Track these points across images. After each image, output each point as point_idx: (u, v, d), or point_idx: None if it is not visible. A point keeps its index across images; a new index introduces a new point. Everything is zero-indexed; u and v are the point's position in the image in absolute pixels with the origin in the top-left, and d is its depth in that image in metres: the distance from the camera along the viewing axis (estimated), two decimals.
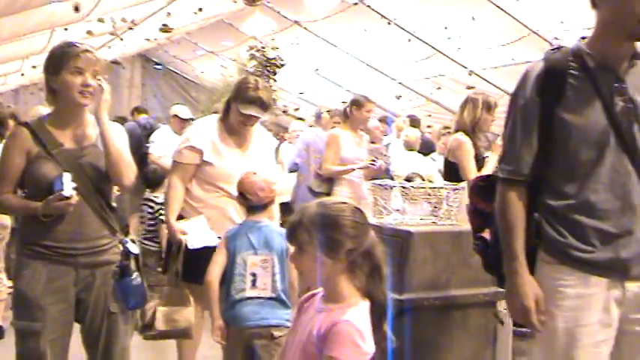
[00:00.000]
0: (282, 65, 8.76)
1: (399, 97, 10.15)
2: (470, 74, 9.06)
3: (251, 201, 3.02)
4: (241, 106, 3.34)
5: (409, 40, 8.40)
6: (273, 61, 8.76)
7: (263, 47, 8.78)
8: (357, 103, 5.28)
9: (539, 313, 1.99)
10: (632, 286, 1.97)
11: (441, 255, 3.05)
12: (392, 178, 5.52)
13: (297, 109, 11.00)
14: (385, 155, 6.63)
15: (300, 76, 10.68)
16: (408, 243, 3.00)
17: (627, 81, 1.97)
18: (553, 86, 1.98)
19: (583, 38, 2.07)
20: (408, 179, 4.52)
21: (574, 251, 1.97)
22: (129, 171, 2.57)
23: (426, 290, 3.01)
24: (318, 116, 7.00)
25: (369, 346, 1.75)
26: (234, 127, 3.43)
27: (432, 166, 6.88)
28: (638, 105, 1.95)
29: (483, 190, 2.23)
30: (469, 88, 7.93)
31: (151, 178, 5.74)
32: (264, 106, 3.36)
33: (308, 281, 1.98)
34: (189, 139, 3.43)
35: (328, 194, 5.16)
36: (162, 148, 6.59)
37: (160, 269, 5.23)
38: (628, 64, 1.98)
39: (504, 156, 2.11)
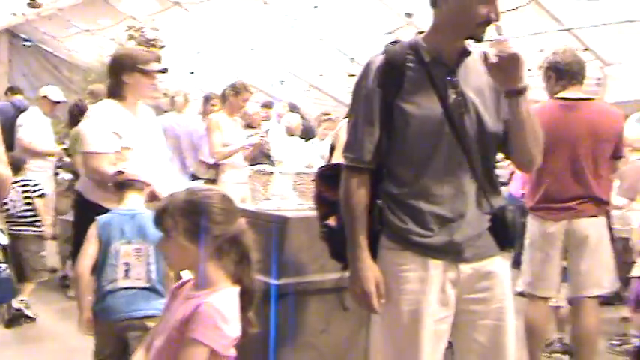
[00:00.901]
0: (162, 47, 8.52)
1: (281, 83, 10.20)
2: (352, 61, 9.26)
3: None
4: (144, 65, 3.25)
5: (292, 27, 8.45)
6: (152, 42, 8.49)
7: (142, 27, 8.50)
8: (234, 89, 5.28)
9: (379, 296, 2.08)
10: (465, 268, 2.09)
11: (317, 240, 3.10)
12: (273, 164, 5.56)
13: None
14: (265, 141, 6.64)
15: (184, 58, 10.44)
16: (285, 228, 3.04)
17: (459, 75, 2.08)
18: (392, 77, 2.07)
19: (420, 33, 2.18)
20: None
21: (414, 236, 2.07)
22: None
23: (302, 275, 3.06)
24: (173, 100, 6.73)
25: (233, 330, 1.77)
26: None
27: (313, 152, 6.98)
28: (468, 97, 2.07)
29: (330, 178, 2.30)
30: (350, 75, 8.11)
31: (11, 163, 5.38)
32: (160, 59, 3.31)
33: (174, 267, 1.98)
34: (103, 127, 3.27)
35: (214, 181, 5.13)
36: (32, 132, 6.22)
37: (43, 253, 4.99)
38: (459, 59, 2.10)
39: (348, 144, 2.17)
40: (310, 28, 9.01)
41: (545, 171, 3.32)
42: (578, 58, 3.62)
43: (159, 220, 1.84)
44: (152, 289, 2.87)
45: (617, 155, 3.53)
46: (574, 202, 3.42)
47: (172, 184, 3.19)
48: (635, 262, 4.15)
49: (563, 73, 3.49)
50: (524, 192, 5.02)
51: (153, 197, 3.14)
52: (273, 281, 2.94)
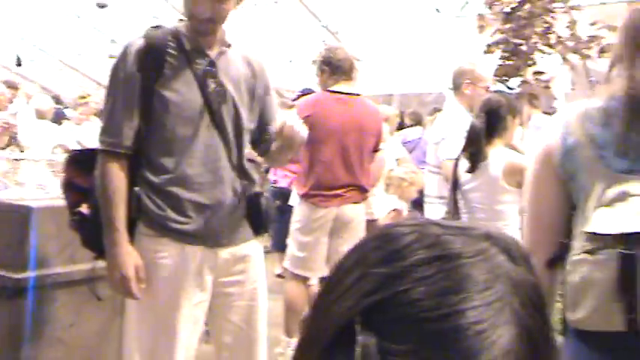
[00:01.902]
0: None
1: (19, 63, 9.35)
2: (112, 42, 8.85)
3: None
4: None
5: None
6: None
7: None
8: None
9: (139, 282, 2.05)
10: (222, 253, 2.14)
11: (66, 230, 2.91)
12: (22, 150, 5.14)
13: None
14: (12, 124, 6.07)
15: None
16: (28, 219, 2.80)
17: (219, 66, 2.12)
18: (152, 63, 2.04)
19: (182, 20, 2.17)
20: None
21: (172, 223, 2.07)
22: None
23: (49, 267, 2.85)
24: None
25: None
26: None
27: (66, 136, 6.55)
28: (227, 89, 2.11)
29: (81, 163, 2.20)
30: (111, 57, 7.74)
31: None
32: None
33: None
34: None
35: None
36: None
37: None
38: (219, 51, 2.14)
39: (105, 128, 2.10)
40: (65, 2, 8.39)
41: (317, 160, 3.52)
42: (349, 55, 3.85)
43: None
44: None
45: (376, 148, 3.81)
46: (343, 190, 3.63)
47: None
48: None
49: (336, 68, 3.67)
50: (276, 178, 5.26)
51: None
52: (16, 275, 2.70)
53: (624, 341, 1.33)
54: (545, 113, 6.06)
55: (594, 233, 1.35)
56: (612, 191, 1.36)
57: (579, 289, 1.37)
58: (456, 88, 3.62)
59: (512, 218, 3.07)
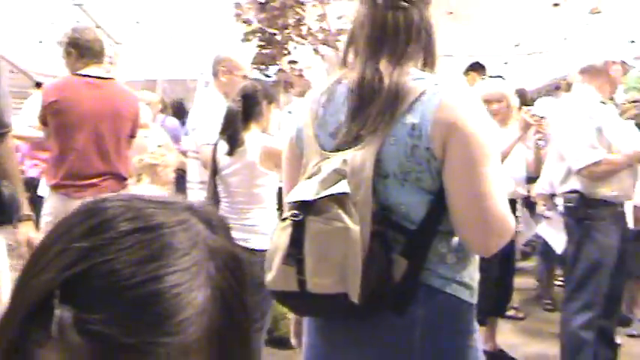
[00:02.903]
0: None
1: None
2: None
3: None
4: None
5: None
6: None
7: None
8: None
9: None
10: None
11: None
12: None
13: None
14: None
15: None
16: None
17: None
18: None
19: None
20: None
21: None
22: None
23: None
24: None
25: None
26: None
27: None
28: None
29: None
30: None
31: None
32: None
33: None
34: None
35: None
36: None
37: None
38: None
39: None
40: None
41: (69, 147, 3.29)
42: (99, 36, 3.65)
43: None
44: None
45: (133, 134, 3.69)
46: (98, 179, 3.45)
47: None
48: None
49: (85, 50, 3.47)
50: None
51: None
52: None
53: (299, 299, 1.48)
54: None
55: (289, 203, 1.50)
56: (316, 166, 1.50)
57: (271, 253, 1.50)
58: (214, 75, 3.67)
59: (269, 200, 3.21)
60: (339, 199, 1.39)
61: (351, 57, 1.60)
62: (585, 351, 3.44)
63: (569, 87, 4.77)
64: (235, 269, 0.59)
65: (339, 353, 1.57)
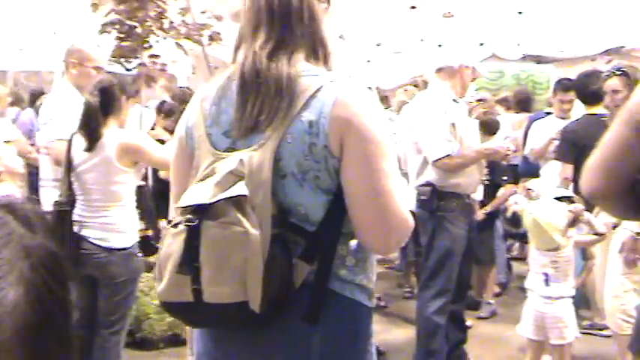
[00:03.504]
0: None
1: None
2: None
3: None
4: None
5: None
6: None
7: None
8: None
9: None
10: None
11: None
12: None
13: None
14: None
15: None
16: None
17: None
18: None
19: None
20: None
21: None
22: None
23: None
24: None
25: None
26: None
27: None
28: None
29: None
30: None
31: None
32: None
33: None
34: None
35: None
36: None
37: None
38: None
39: None
40: None
41: None
42: None
43: None
44: None
45: None
46: None
47: None
48: None
49: None
50: None
51: None
52: None
53: (195, 311, 1.37)
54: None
55: (180, 207, 1.39)
56: (210, 168, 1.41)
57: (162, 261, 1.39)
58: (65, 67, 3.51)
59: (128, 198, 3.12)
60: (237, 202, 1.31)
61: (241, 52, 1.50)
62: (438, 334, 3.66)
63: (425, 85, 5.05)
64: (54, 268, 0.58)
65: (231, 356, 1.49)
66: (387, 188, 1.38)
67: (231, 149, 1.44)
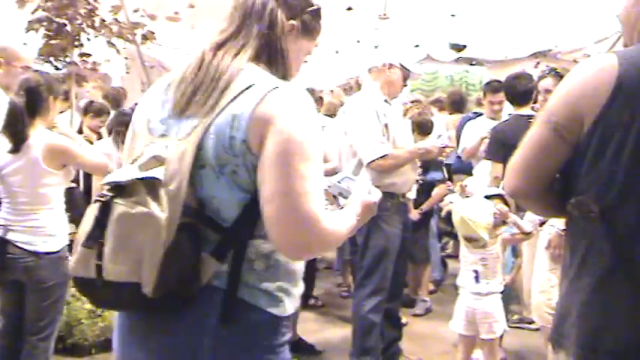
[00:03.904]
0: None
1: None
2: None
3: None
4: None
5: None
6: None
7: None
8: None
9: None
10: None
11: None
12: None
13: None
14: None
15: None
16: None
17: None
18: None
19: None
20: None
21: None
22: None
23: None
24: None
25: None
26: None
27: None
28: None
29: None
30: None
31: None
32: None
33: None
34: None
35: None
36: None
37: None
38: None
39: None
40: None
41: None
42: None
43: None
44: None
45: None
46: None
47: None
48: None
49: None
50: None
51: None
52: None
53: (96, 287, 1.37)
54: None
55: (104, 184, 1.40)
56: (143, 150, 1.43)
57: (78, 237, 1.40)
58: None
59: (57, 201, 3.04)
60: (151, 185, 1.33)
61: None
62: (373, 332, 3.71)
63: (359, 86, 5.10)
64: None
65: (131, 347, 1.49)
66: (301, 190, 1.35)
67: (163, 136, 1.47)
